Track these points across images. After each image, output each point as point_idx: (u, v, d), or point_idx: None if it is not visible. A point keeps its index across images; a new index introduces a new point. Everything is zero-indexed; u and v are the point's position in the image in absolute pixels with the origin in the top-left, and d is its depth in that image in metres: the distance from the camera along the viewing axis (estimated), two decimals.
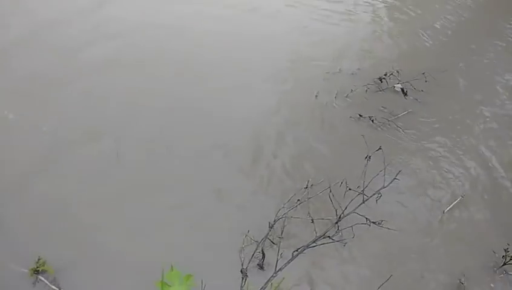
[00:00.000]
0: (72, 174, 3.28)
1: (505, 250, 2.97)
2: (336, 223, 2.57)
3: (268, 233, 2.69)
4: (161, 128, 3.73)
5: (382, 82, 4.46)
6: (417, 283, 2.91)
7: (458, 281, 2.90)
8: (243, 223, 2.91)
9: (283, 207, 2.75)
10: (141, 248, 2.82)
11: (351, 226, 2.61)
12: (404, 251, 3.09)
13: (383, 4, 5.82)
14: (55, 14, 4.86)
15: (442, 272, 2.98)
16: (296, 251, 2.43)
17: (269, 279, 2.33)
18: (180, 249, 2.83)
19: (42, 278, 2.57)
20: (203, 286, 2.24)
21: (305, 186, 3.02)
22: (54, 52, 4.36)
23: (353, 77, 4.60)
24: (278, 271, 2.34)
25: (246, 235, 2.73)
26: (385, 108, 4.19)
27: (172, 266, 2.39)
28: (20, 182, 3.15)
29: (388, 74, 4.49)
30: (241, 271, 2.37)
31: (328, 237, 2.47)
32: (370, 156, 2.90)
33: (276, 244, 2.62)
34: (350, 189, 2.79)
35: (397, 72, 4.55)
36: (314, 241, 2.46)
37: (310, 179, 3.15)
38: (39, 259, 2.60)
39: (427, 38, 5.33)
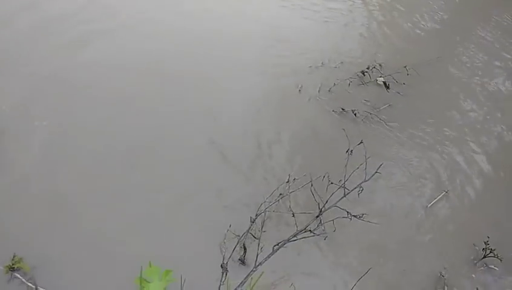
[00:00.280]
0: (62, 170, 3.18)
1: (485, 243, 3.00)
2: (317, 216, 2.58)
3: (250, 228, 2.67)
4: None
5: (364, 75, 4.47)
6: (399, 275, 2.93)
7: (438, 274, 2.94)
8: (224, 219, 2.88)
9: (265, 202, 2.73)
10: (120, 244, 2.76)
11: (333, 220, 2.62)
12: (386, 244, 3.10)
13: None
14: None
15: (423, 265, 3.01)
16: (277, 245, 2.42)
17: (249, 273, 2.32)
18: (160, 245, 2.79)
19: (18, 275, 2.50)
20: (183, 281, 2.23)
21: (286, 181, 3.01)
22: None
23: (336, 70, 4.59)
24: (257, 266, 2.32)
25: (228, 230, 2.69)
26: (368, 101, 4.21)
27: (150, 263, 2.38)
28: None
29: (370, 68, 4.50)
30: (221, 266, 2.35)
31: (310, 231, 2.47)
32: (351, 150, 2.90)
33: (257, 238, 2.60)
34: (331, 183, 2.79)
35: (380, 65, 4.57)
36: (295, 235, 2.46)
37: (292, 173, 3.15)
38: (14, 256, 2.53)
39: (410, 31, 5.36)
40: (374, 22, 5.46)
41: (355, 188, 2.60)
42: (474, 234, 3.20)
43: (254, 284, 2.33)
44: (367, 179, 2.62)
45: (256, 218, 2.67)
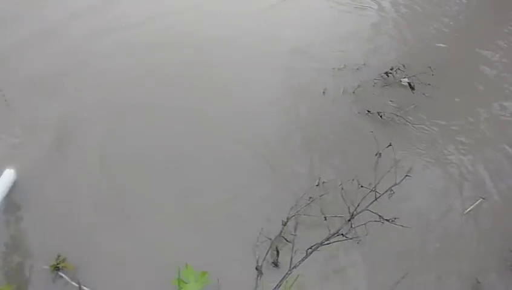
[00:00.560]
0: (105, 173, 3.30)
1: None
2: (349, 220, 2.60)
3: (281, 231, 2.73)
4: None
5: (388, 76, 4.46)
6: (434, 281, 2.91)
7: (475, 281, 2.91)
8: (256, 222, 2.93)
9: (295, 205, 2.78)
10: (158, 245, 2.85)
11: (365, 224, 2.63)
12: (419, 249, 3.08)
13: None
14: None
15: (459, 270, 2.98)
16: (310, 248, 2.46)
17: (284, 276, 2.37)
18: (195, 248, 2.86)
19: (63, 275, 2.61)
20: (218, 283, 2.30)
21: (316, 184, 3.05)
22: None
23: (359, 72, 4.59)
24: (292, 268, 2.37)
25: (260, 233, 2.75)
26: (393, 103, 4.20)
27: (186, 264, 2.46)
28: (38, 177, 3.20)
29: (394, 68, 4.49)
30: (256, 268, 2.42)
31: (342, 234, 2.50)
32: (380, 153, 2.93)
33: (290, 242, 2.65)
34: (361, 186, 2.81)
35: (404, 66, 4.55)
36: (328, 239, 2.49)
37: (321, 177, 3.18)
38: (58, 256, 2.65)
39: (433, 32, 5.31)
40: (397, 21, 5.43)
41: (386, 191, 2.62)
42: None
43: (290, 287, 2.38)
44: (397, 182, 2.63)
45: (287, 221, 2.73)
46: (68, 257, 2.69)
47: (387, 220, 2.50)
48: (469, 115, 4.20)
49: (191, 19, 5.01)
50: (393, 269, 2.91)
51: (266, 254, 2.55)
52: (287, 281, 2.37)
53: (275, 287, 2.33)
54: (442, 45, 4.34)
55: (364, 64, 4.68)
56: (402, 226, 2.58)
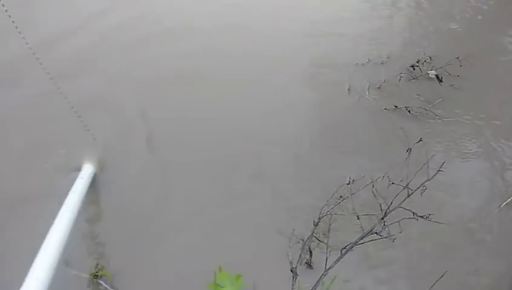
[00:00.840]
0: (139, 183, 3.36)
1: None
2: (382, 218, 2.57)
3: (313, 231, 2.72)
4: None
5: (415, 69, 4.37)
6: (472, 276, 2.85)
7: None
8: (287, 222, 2.95)
9: (326, 204, 2.77)
10: (193, 251, 2.90)
11: (398, 221, 2.60)
12: (455, 245, 3.02)
13: None
14: None
15: (496, 266, 2.91)
16: (345, 248, 2.45)
17: (320, 277, 2.36)
18: (227, 250, 2.90)
19: (102, 282, 2.70)
20: (254, 285, 2.32)
21: (347, 182, 3.02)
22: None
23: (384, 66, 4.52)
24: (328, 269, 2.36)
25: (292, 234, 2.75)
26: (420, 96, 4.11)
27: (220, 267, 2.49)
28: None
29: (420, 61, 4.40)
30: (291, 270, 2.42)
31: (376, 233, 2.47)
32: (410, 149, 2.87)
33: (322, 242, 2.64)
34: (393, 183, 2.77)
35: (430, 58, 4.45)
36: (362, 238, 2.47)
37: (351, 176, 3.15)
38: (97, 264, 2.74)
39: (460, 20, 5.17)
40: (420, 12, 5.32)
41: (418, 187, 2.57)
42: None
43: (328, 288, 2.37)
44: (429, 178, 2.58)
45: (319, 221, 2.71)
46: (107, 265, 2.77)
47: (421, 216, 2.45)
48: (502, 106, 4.07)
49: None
50: (429, 266, 2.86)
51: (300, 255, 2.54)
52: (323, 283, 2.36)
53: (312, 289, 2.32)
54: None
55: (388, 57, 4.61)
56: (437, 222, 2.52)
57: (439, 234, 3.01)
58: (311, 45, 4.75)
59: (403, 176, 2.65)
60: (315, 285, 2.32)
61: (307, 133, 3.76)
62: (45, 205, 2.97)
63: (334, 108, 4.02)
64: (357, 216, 2.71)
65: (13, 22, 2.64)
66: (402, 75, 4.31)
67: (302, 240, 2.77)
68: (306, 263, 2.76)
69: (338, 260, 2.36)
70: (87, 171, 3.15)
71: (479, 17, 5.28)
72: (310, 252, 2.75)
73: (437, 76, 4.25)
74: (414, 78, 4.31)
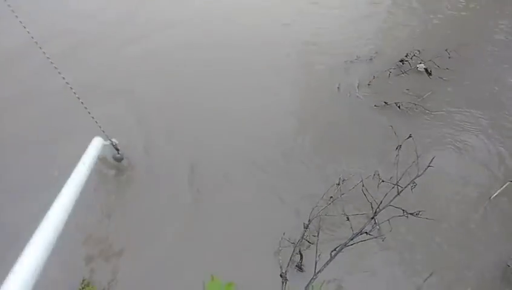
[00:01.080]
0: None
1: None
2: (373, 218, 2.51)
3: (304, 233, 2.66)
4: None
5: (404, 64, 4.34)
6: (465, 266, 2.80)
7: (505, 265, 2.78)
8: (277, 226, 2.89)
9: (316, 206, 2.71)
10: (182, 258, 2.84)
11: (388, 220, 2.54)
12: (446, 240, 2.96)
13: None
14: None
15: (489, 255, 2.86)
16: (334, 250, 2.39)
17: (310, 282, 2.31)
18: (218, 259, 2.84)
19: None
20: None
21: (337, 183, 2.97)
22: None
23: (372, 62, 4.49)
24: (318, 273, 2.30)
25: (282, 238, 2.70)
26: (409, 91, 4.06)
27: (212, 276, 2.43)
28: None
29: (409, 55, 4.36)
30: (280, 275, 2.36)
31: (366, 233, 2.42)
32: (400, 146, 2.81)
33: (313, 243, 2.59)
34: (383, 181, 2.72)
35: (419, 51, 4.42)
36: (352, 239, 2.41)
37: (341, 175, 3.10)
38: (83, 280, 2.68)
39: (445, 14, 5.13)
40: (407, 7, 5.29)
41: (408, 184, 2.52)
42: None
43: None
44: (419, 173, 2.52)
45: (309, 223, 2.66)
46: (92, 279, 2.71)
47: (411, 214, 2.40)
48: (491, 96, 4.03)
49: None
50: (421, 263, 2.81)
51: (290, 259, 2.49)
52: (313, 286, 2.30)
53: None
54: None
55: (377, 53, 4.56)
56: (427, 219, 2.47)
57: (430, 230, 2.96)
58: (300, 44, 4.71)
59: (393, 173, 2.60)
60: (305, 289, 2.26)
61: (296, 131, 3.71)
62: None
63: (323, 108, 3.97)
64: (347, 217, 2.66)
65: (16, 16, 2.65)
66: (391, 70, 4.26)
67: (293, 243, 2.72)
68: (296, 265, 2.70)
69: (327, 263, 2.30)
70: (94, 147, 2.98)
71: (468, 9, 5.25)
72: (301, 255, 2.69)
73: (426, 69, 4.21)
74: (403, 73, 4.26)
